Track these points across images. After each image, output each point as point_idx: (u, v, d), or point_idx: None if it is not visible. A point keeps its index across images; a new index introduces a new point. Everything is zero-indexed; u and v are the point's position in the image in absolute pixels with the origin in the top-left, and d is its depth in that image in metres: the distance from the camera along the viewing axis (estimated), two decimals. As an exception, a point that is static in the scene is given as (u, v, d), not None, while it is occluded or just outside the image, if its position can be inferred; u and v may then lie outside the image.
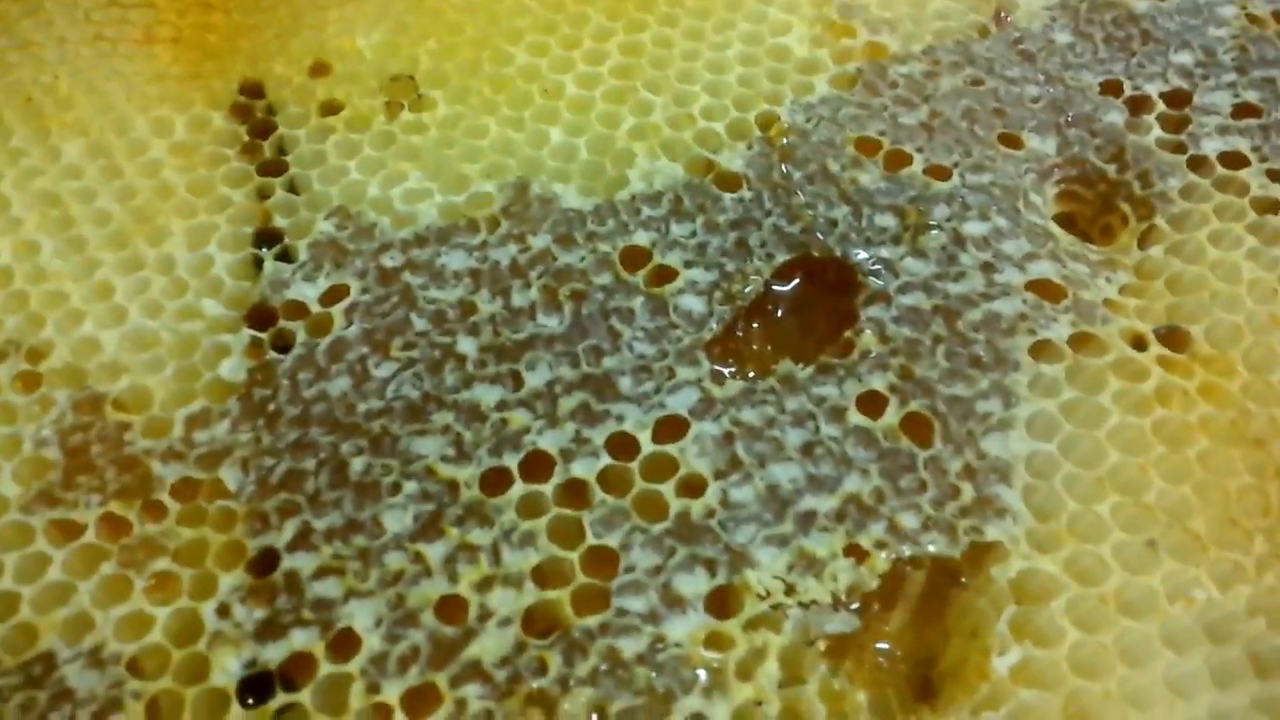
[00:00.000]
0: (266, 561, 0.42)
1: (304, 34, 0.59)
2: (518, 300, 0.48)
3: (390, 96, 0.56)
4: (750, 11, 0.59)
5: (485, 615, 0.40)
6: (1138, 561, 0.40)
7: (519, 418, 0.44)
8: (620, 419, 0.44)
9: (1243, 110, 0.53)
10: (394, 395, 0.45)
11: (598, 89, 0.56)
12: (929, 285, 0.47)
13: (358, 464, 0.43)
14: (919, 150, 0.52)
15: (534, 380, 0.45)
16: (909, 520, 0.41)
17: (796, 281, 0.50)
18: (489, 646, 0.39)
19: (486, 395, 0.45)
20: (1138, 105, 0.54)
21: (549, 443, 0.44)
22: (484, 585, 0.41)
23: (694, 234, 0.50)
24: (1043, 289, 0.47)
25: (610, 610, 0.40)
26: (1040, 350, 0.45)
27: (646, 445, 0.44)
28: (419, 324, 0.47)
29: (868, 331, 0.46)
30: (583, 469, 0.43)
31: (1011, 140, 0.53)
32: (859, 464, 0.43)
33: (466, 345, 0.46)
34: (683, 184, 0.52)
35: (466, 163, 0.53)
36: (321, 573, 0.41)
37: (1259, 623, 0.39)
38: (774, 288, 0.49)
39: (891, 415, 0.44)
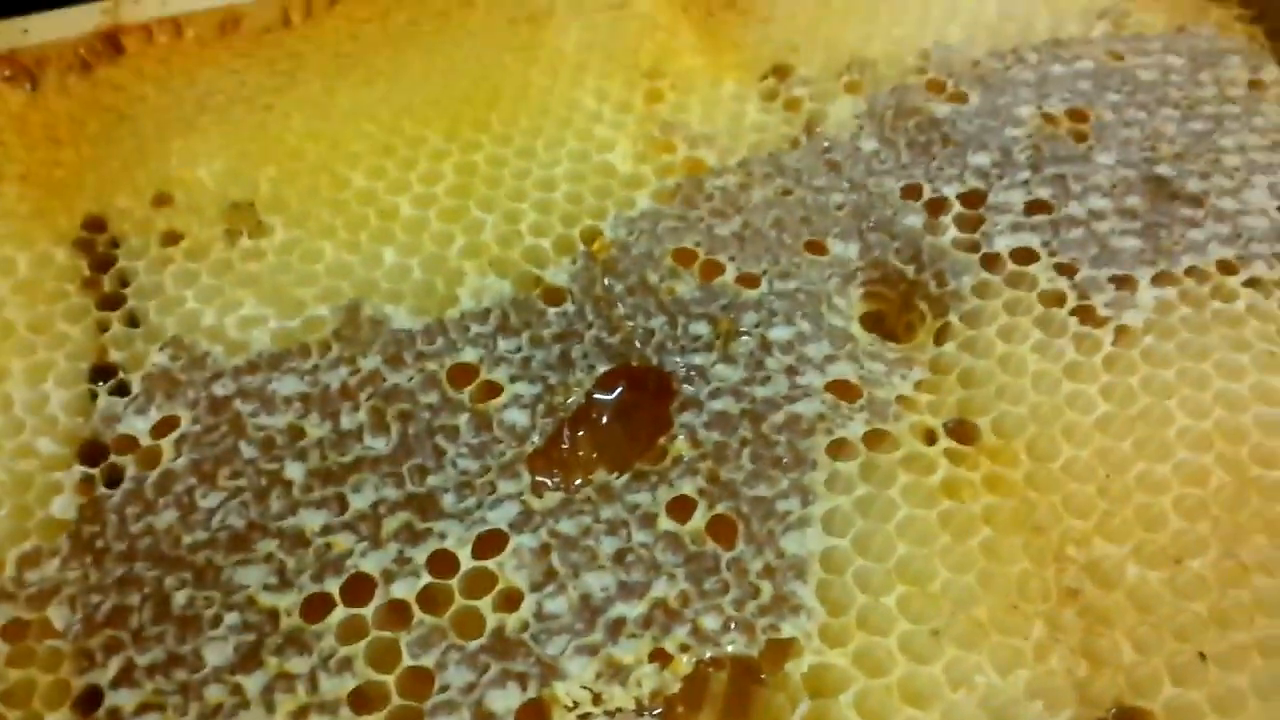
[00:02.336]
0: (91, 699, 0.43)
1: (149, 165, 0.61)
2: (346, 423, 0.50)
3: (230, 224, 0.58)
4: (579, 129, 0.61)
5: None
6: (922, 650, 0.42)
7: (342, 541, 0.46)
8: (442, 536, 0.46)
9: (1035, 206, 0.57)
10: (219, 525, 0.46)
11: (432, 209, 0.58)
12: (737, 390, 0.50)
13: (180, 597, 0.45)
14: (731, 259, 0.55)
15: (359, 502, 0.47)
16: (711, 622, 0.43)
17: (620, 390, 0.52)
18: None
19: (311, 520, 0.47)
20: (936, 207, 0.57)
21: (371, 565, 0.45)
22: (300, 713, 0.42)
23: (519, 349, 0.52)
24: (841, 389, 0.50)
25: (425, 726, 0.41)
26: (837, 449, 0.48)
27: (466, 561, 0.46)
28: (247, 452, 0.48)
29: (680, 437, 0.49)
30: (403, 589, 0.45)
31: (817, 247, 0.56)
32: (667, 568, 0.45)
33: (293, 471, 0.48)
34: (510, 300, 0.54)
35: (302, 287, 0.55)
36: (143, 709, 0.42)
37: (1037, 705, 0.41)
38: (596, 397, 0.51)
39: (699, 519, 0.46)
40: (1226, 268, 0.54)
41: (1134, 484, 0.46)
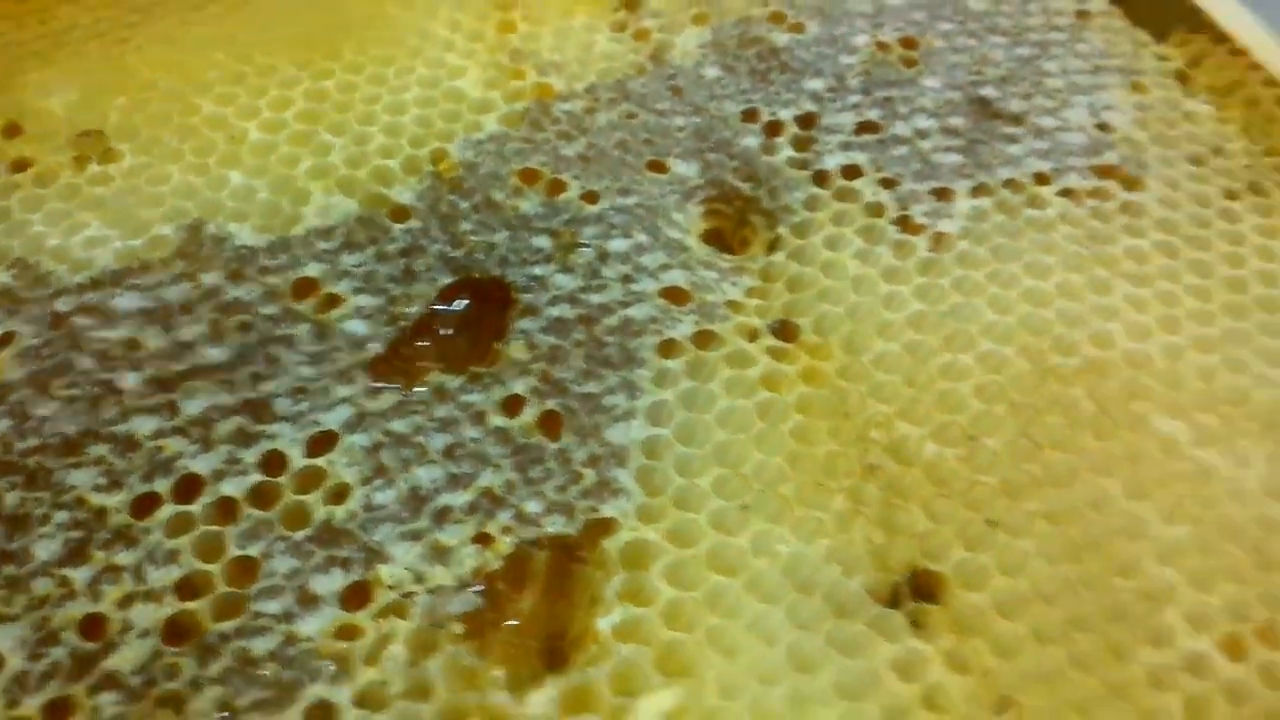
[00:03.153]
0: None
1: (1, 99, 0.61)
2: (184, 335, 0.50)
3: (79, 151, 0.58)
4: (430, 58, 0.63)
5: (126, 629, 0.42)
6: (731, 524, 0.44)
7: (173, 445, 0.47)
8: (274, 438, 0.47)
9: (864, 127, 0.59)
10: (51, 432, 0.47)
11: (280, 134, 0.59)
12: (574, 297, 0.52)
13: (11, 499, 0.45)
14: (575, 178, 0.57)
15: (192, 408, 0.48)
16: (534, 506, 0.45)
17: (463, 301, 0.53)
18: (127, 657, 0.42)
19: (143, 426, 0.47)
20: (772, 129, 0.59)
21: (201, 466, 0.46)
22: (126, 602, 0.43)
23: (363, 263, 0.53)
24: (673, 295, 0.52)
25: (246, 614, 0.42)
26: (665, 348, 0.50)
27: (298, 461, 0.47)
28: (83, 363, 0.49)
29: (517, 342, 0.50)
30: (232, 488, 0.46)
31: (658, 166, 0.58)
32: (494, 460, 0.46)
33: (128, 380, 0.49)
34: (356, 217, 0.55)
35: (147, 209, 0.56)
36: (-32, 600, 0.43)
37: (835, 570, 0.43)
38: (438, 308, 0.52)
39: (529, 415, 0.48)
40: (1041, 179, 0.56)
41: (938, 373, 0.48)
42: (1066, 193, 0.56)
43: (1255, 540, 0.44)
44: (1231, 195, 0.56)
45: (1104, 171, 0.57)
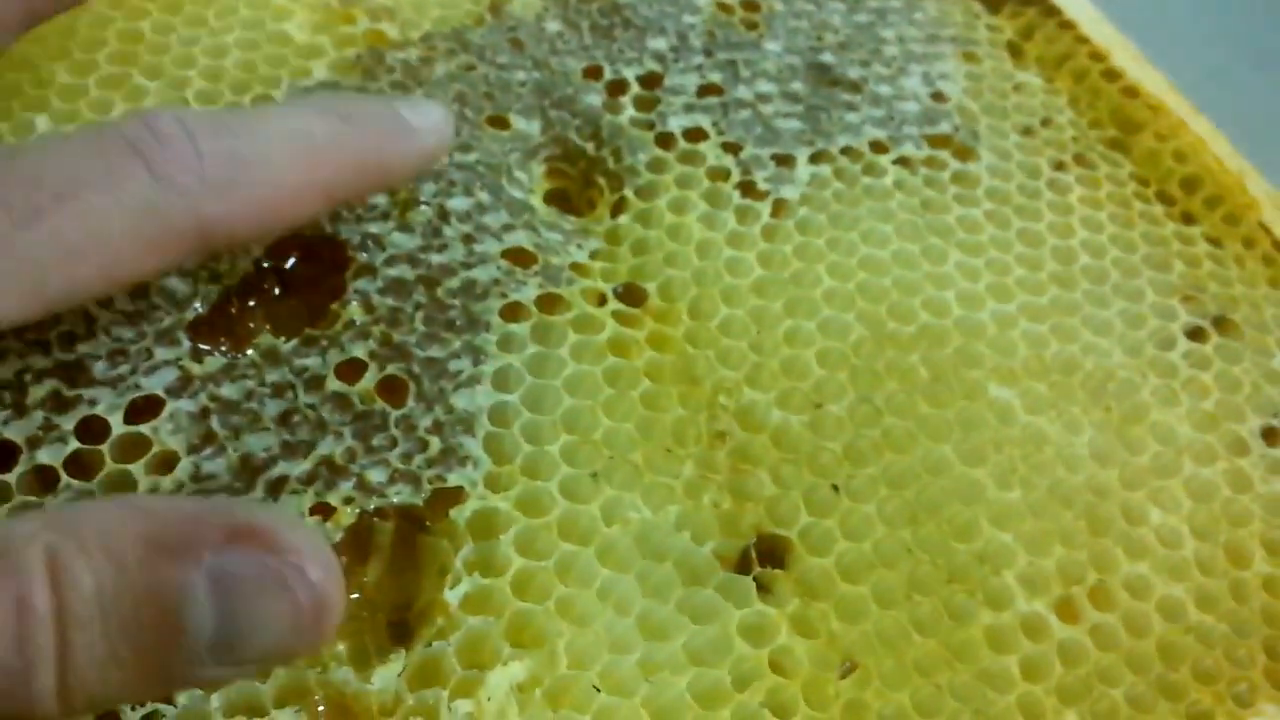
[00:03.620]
0: None
1: None
2: (-14, 291, 0.46)
3: None
4: (253, 0, 0.59)
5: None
6: (582, 492, 0.43)
7: (-19, 410, 0.43)
8: (93, 403, 0.44)
9: (707, 90, 0.59)
10: None
11: (91, 77, 0.55)
12: (413, 257, 0.50)
13: None
14: (412, 131, 0.54)
15: (1, 372, 0.44)
16: (377, 475, 0.43)
17: (293, 260, 0.51)
18: None
19: (-54, 390, 0.43)
20: (615, 88, 0.58)
21: (14, 433, 0.43)
22: (-74, 579, 0.39)
23: (184, 218, 0.50)
24: (516, 256, 0.50)
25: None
26: (510, 312, 0.48)
27: (118, 427, 0.44)
28: None
29: (354, 303, 0.48)
30: (49, 456, 0.43)
31: (499, 122, 0.56)
32: (333, 427, 0.44)
33: (-76, 339, 0.44)
34: (175, 169, 0.51)
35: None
36: None
37: (685, 536, 0.43)
38: (265, 266, 0.50)
39: (369, 380, 0.46)
40: (878, 147, 0.57)
41: (782, 339, 0.49)
42: (902, 161, 0.57)
43: (1087, 505, 0.46)
44: (1059, 166, 0.58)
45: (938, 141, 0.58)
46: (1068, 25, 0.66)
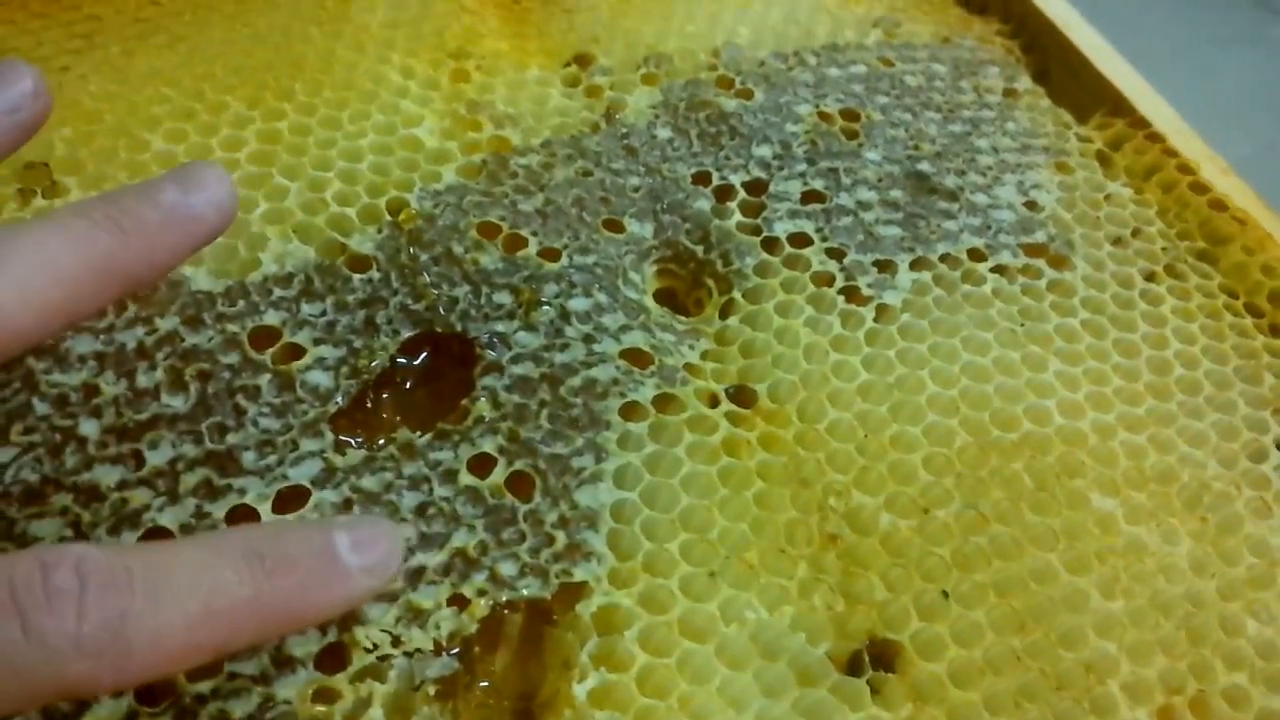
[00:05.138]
0: None
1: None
2: (143, 382, 0.50)
3: (23, 184, 0.57)
4: (385, 104, 0.63)
5: (93, 700, 0.42)
6: (700, 590, 0.46)
7: (139, 496, 0.46)
8: (242, 492, 0.47)
9: (810, 196, 0.62)
10: (12, 480, 0.46)
11: (234, 175, 0.58)
12: (537, 356, 0.53)
13: (-30, 549, 0.44)
14: (534, 234, 0.58)
15: (156, 459, 0.48)
16: (508, 568, 0.46)
17: (424, 355, 0.54)
18: (101, 717, 0.41)
19: (107, 476, 0.47)
20: (723, 193, 0.61)
21: (169, 519, 0.46)
22: (97, 658, 0.42)
23: (324, 313, 0.53)
24: (633, 357, 0.53)
25: (222, 675, 0.42)
26: (628, 411, 0.51)
27: (266, 516, 0.47)
28: (40, 409, 0.48)
29: (482, 399, 0.51)
30: (203, 541, 0.46)
31: (614, 225, 0.59)
32: (466, 520, 0.47)
33: (88, 427, 0.48)
34: (314, 265, 0.55)
35: (98, 248, 0.54)
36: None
37: (800, 637, 0.45)
38: (400, 362, 0.53)
39: (498, 474, 0.49)
40: (976, 255, 0.60)
41: (889, 443, 0.51)
42: (1000, 269, 0.59)
43: (1185, 614, 0.47)
44: (1151, 276, 0.60)
45: (1034, 250, 0.60)
46: (1156, 137, 0.68)
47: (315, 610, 0.37)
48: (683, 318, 0.58)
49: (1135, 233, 0.63)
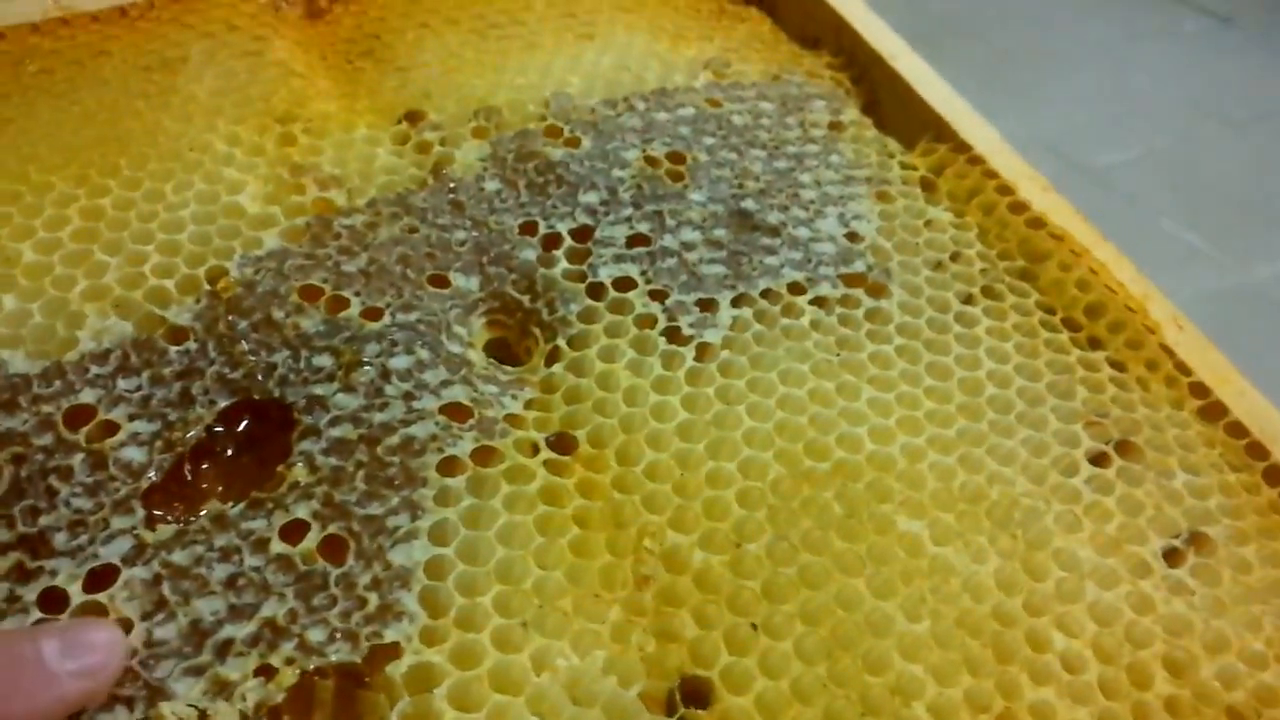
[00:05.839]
0: None
1: None
2: (-47, 469, 0.49)
3: None
4: (209, 172, 0.63)
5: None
6: (512, 641, 0.46)
7: (-55, 584, 0.46)
8: (53, 574, 0.47)
9: (635, 240, 0.63)
10: None
11: (55, 254, 0.59)
12: (356, 417, 0.53)
13: None
14: (356, 294, 0.58)
15: (-36, 547, 0.47)
16: (317, 634, 0.46)
17: (245, 423, 0.54)
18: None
19: (-87, 566, 0.46)
20: (549, 242, 0.62)
21: (-23, 605, 0.46)
22: (-111, 758, 0.42)
23: (139, 387, 0.53)
24: (454, 411, 0.54)
25: (26, 762, 0.42)
26: (447, 466, 0.51)
27: (77, 596, 0.46)
28: None
29: (298, 464, 0.51)
30: (11, 627, 0.45)
31: (440, 280, 0.60)
32: (276, 589, 0.47)
33: (-107, 519, 0.47)
34: (131, 340, 0.55)
35: (-88, 336, 0.54)
36: None
37: (612, 681, 0.46)
38: (218, 431, 0.53)
39: (311, 539, 0.49)
40: (796, 288, 0.61)
41: (705, 481, 0.52)
42: (819, 301, 0.60)
43: (993, 633, 0.48)
44: (968, 299, 0.62)
45: (852, 280, 0.62)
46: (976, 160, 0.70)
47: (28, 716, 0.38)
48: (509, 368, 0.58)
49: (955, 256, 0.64)
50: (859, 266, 0.63)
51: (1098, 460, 0.55)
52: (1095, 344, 0.61)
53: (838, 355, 0.58)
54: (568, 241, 0.63)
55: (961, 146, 0.71)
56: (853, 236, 0.65)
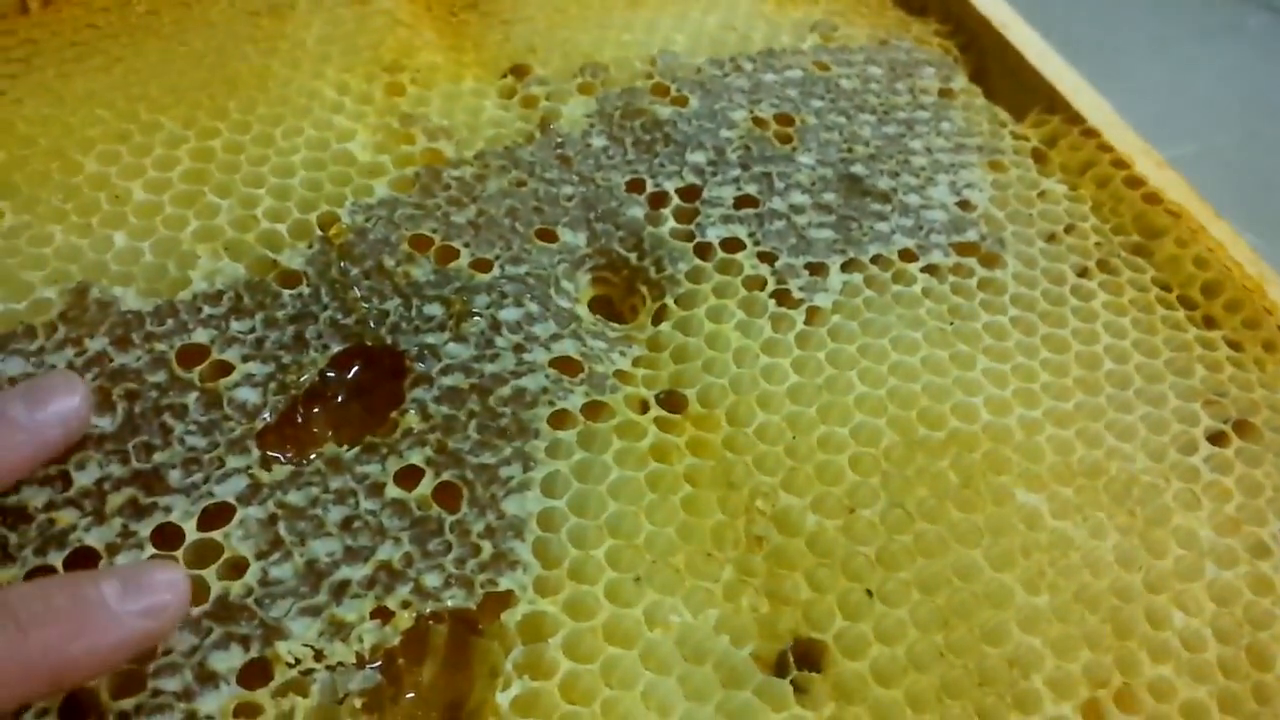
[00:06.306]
0: None
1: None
2: (70, 403, 0.50)
3: (-44, 208, 0.57)
4: (318, 119, 0.63)
5: (23, 708, 0.42)
6: (625, 596, 0.46)
7: (66, 517, 0.46)
8: (168, 510, 0.47)
9: (743, 201, 0.62)
10: (-64, 504, 0.46)
11: (166, 194, 0.59)
12: (467, 367, 0.53)
13: (-109, 574, 0.44)
14: (466, 245, 0.58)
15: (83, 479, 0.48)
16: (433, 579, 0.46)
17: (356, 369, 0.54)
18: (22, 733, 0.41)
19: (34, 498, 0.47)
20: (657, 200, 0.62)
21: (95, 539, 0.46)
22: (17, 680, 0.42)
23: (253, 329, 0.53)
24: (564, 365, 0.53)
25: (146, 692, 0.42)
26: (558, 419, 0.51)
27: (191, 533, 0.47)
28: (-35, 432, 0.48)
29: (411, 411, 0.51)
30: (126, 561, 0.46)
31: (548, 235, 0.59)
32: (392, 533, 0.47)
33: (14, 450, 0.48)
34: (244, 283, 0.55)
35: (29, 270, 0.55)
36: None
37: (725, 639, 0.46)
38: (330, 376, 0.53)
39: (425, 486, 0.49)
40: (907, 256, 0.60)
41: (816, 444, 0.51)
42: (931, 269, 0.59)
43: (1111, 608, 0.47)
44: (1084, 272, 0.60)
45: (965, 249, 0.60)
46: (1091, 133, 0.68)
47: (91, 658, 0.38)
48: (616, 325, 0.58)
49: (1069, 229, 0.63)
50: (972, 235, 0.62)
51: (1216, 439, 0.54)
52: (1211, 323, 0.60)
53: (951, 324, 0.57)
54: (675, 200, 0.62)
55: (1075, 118, 0.69)
56: (965, 205, 0.63)
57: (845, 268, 0.59)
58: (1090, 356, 0.56)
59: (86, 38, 0.68)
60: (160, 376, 0.51)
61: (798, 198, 0.62)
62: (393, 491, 0.49)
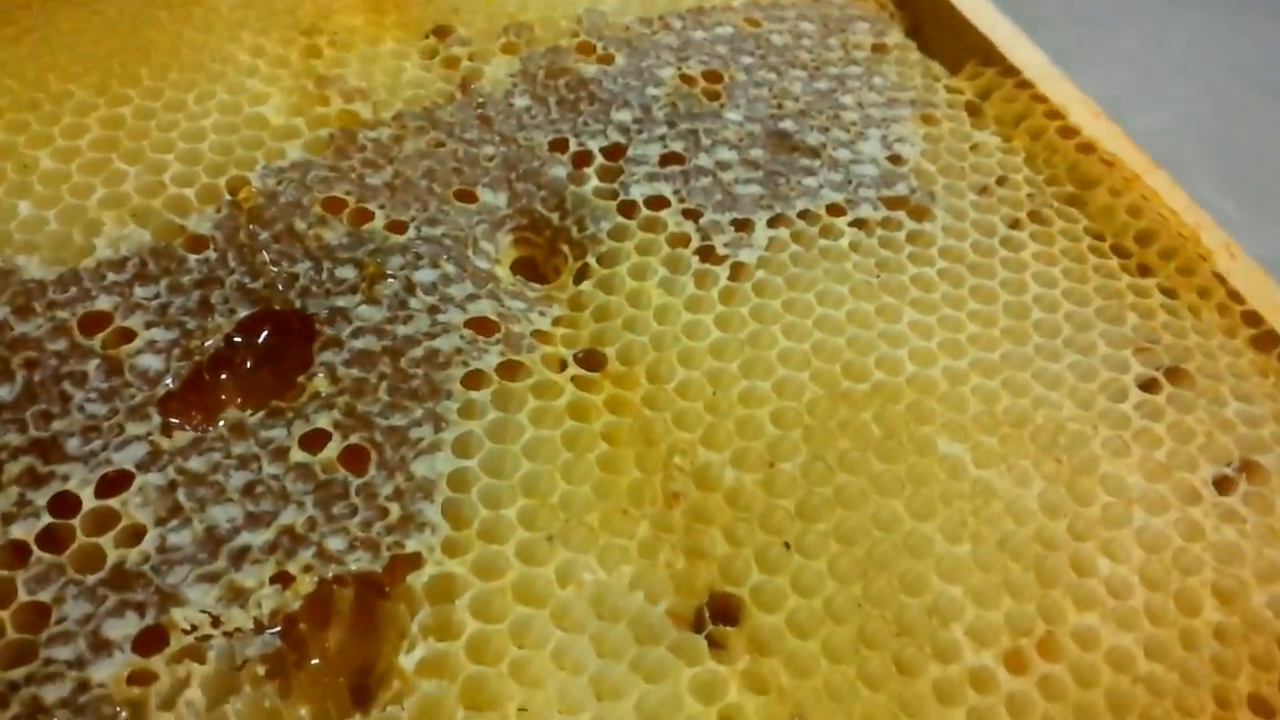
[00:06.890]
0: None
1: None
2: (-35, 372, 0.48)
3: None
4: (231, 84, 0.61)
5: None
6: (537, 555, 0.45)
7: (-44, 487, 0.45)
8: (65, 478, 0.46)
9: (669, 159, 0.61)
10: None
11: (74, 162, 0.57)
12: (379, 329, 0.51)
13: None
14: (381, 207, 0.56)
15: (-24, 449, 0.46)
16: (336, 543, 0.45)
17: (265, 334, 0.53)
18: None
19: (-76, 468, 0.45)
20: (580, 159, 0.60)
21: (-11, 508, 0.44)
22: (-100, 655, 0.40)
23: (157, 295, 0.52)
24: (480, 326, 0.52)
25: (37, 661, 0.41)
26: (471, 380, 0.50)
27: (89, 501, 0.45)
28: None
29: (320, 375, 0.50)
30: (22, 530, 0.44)
31: (467, 195, 0.58)
32: (295, 497, 0.46)
33: (-95, 421, 0.46)
34: (149, 248, 0.54)
35: (-72, 239, 0.53)
36: None
37: (639, 596, 0.44)
38: (238, 342, 0.51)
39: (332, 449, 0.47)
40: (835, 210, 0.59)
41: (737, 400, 0.50)
42: (859, 223, 0.58)
43: (1036, 557, 0.46)
44: (1015, 224, 0.59)
45: (894, 203, 0.59)
46: (1025, 84, 0.67)
47: None
48: (536, 285, 0.57)
49: (1001, 181, 0.62)
50: (901, 189, 0.60)
51: (1148, 386, 0.53)
52: (1146, 271, 0.59)
53: (878, 277, 0.56)
54: (599, 159, 0.61)
55: (1009, 70, 0.68)
56: (895, 159, 0.62)
57: (771, 223, 0.58)
58: (1018, 306, 0.55)
59: (-2, 8, 0.66)
60: (61, 344, 0.50)
61: (725, 154, 0.61)
62: (297, 456, 0.47)
